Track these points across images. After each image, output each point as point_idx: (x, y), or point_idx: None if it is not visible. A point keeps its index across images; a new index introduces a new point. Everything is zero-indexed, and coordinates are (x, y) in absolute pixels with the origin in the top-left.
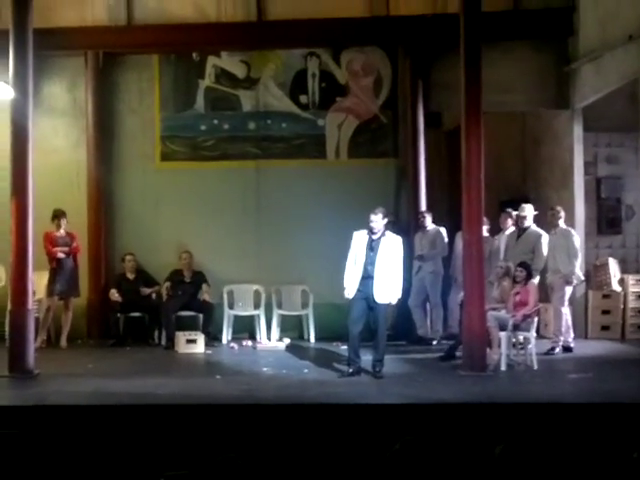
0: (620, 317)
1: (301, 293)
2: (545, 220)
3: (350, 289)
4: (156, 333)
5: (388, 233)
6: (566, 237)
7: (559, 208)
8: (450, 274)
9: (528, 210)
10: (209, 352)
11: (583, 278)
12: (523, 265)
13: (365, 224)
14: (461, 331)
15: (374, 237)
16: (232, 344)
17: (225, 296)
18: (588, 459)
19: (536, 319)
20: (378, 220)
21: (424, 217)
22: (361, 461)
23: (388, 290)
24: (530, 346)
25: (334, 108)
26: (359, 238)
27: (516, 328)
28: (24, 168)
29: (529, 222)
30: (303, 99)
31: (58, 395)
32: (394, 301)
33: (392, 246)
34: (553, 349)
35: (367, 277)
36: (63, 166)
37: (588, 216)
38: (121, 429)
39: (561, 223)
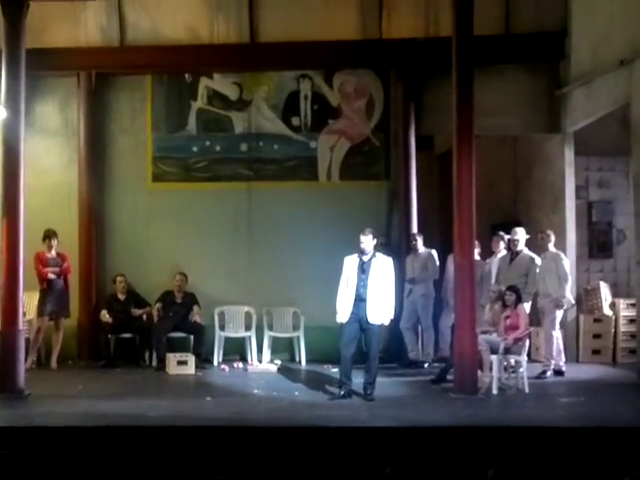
0: (611, 341)
1: (292, 315)
2: (536, 244)
3: (343, 314)
4: (147, 354)
5: (378, 254)
6: (556, 261)
7: (549, 232)
8: (442, 297)
9: (520, 234)
10: (200, 374)
11: (574, 302)
12: (512, 289)
13: (357, 247)
14: (452, 354)
15: (364, 259)
16: (223, 366)
17: (216, 317)
18: None
19: (527, 343)
20: (368, 240)
21: (415, 240)
22: None
23: (381, 311)
24: (521, 370)
25: (326, 130)
26: (350, 262)
27: (507, 351)
28: (15, 188)
29: (522, 246)
30: (295, 121)
31: (48, 416)
32: (386, 322)
33: (383, 267)
34: (544, 373)
35: (359, 299)
36: (55, 186)
37: (579, 240)
38: (112, 451)
39: (551, 247)
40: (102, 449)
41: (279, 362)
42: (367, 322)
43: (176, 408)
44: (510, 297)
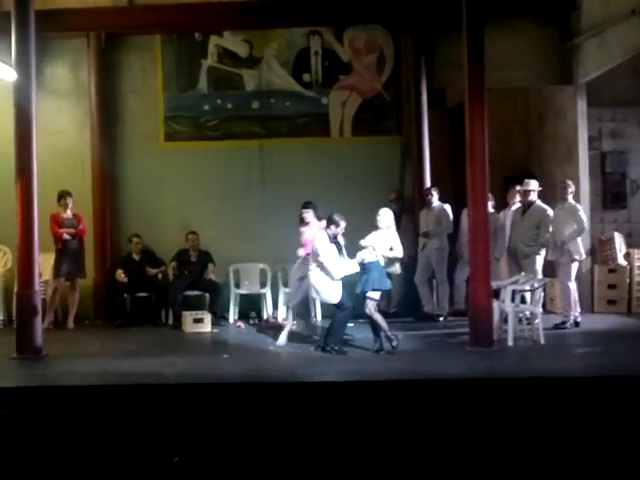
0: (626, 291)
1: None
2: (550, 196)
3: None
4: (163, 313)
5: None
6: (573, 213)
7: (569, 182)
8: (456, 250)
9: (533, 184)
10: (216, 331)
11: (585, 255)
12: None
13: (368, 202)
14: (467, 307)
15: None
16: (238, 323)
17: (231, 275)
18: (597, 433)
19: (542, 294)
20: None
21: (431, 194)
22: (368, 438)
23: None
24: (537, 321)
25: (337, 86)
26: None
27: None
28: (28, 150)
29: (534, 197)
30: (306, 77)
31: (66, 376)
32: None
33: None
34: (564, 323)
35: None
36: (67, 148)
37: (593, 191)
38: (129, 409)
39: (570, 198)
40: (120, 407)
41: None
42: None
43: (193, 366)
44: None
